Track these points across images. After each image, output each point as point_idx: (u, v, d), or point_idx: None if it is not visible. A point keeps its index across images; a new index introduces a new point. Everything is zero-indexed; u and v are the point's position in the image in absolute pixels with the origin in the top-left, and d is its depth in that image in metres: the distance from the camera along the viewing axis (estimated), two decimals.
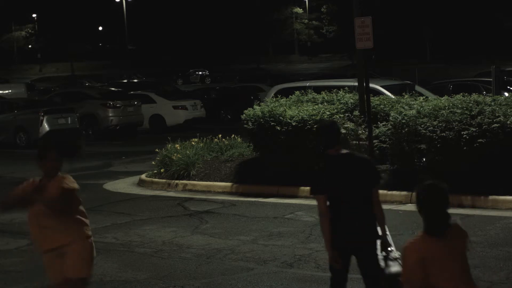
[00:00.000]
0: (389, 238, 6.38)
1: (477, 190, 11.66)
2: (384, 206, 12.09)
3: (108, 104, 27.53)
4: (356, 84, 14.63)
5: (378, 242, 6.32)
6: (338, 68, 74.16)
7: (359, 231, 6.22)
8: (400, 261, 5.87)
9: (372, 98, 13.95)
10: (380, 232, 6.31)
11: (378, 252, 6.28)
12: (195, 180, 14.84)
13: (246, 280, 8.27)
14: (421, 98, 13.87)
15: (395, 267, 6.11)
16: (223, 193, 14.13)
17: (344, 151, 6.38)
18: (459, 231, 5.03)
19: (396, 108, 13.16)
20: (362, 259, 6.30)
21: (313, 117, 13.66)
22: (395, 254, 6.23)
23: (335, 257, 6.17)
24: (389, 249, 6.29)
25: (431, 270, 4.81)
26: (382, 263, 6.22)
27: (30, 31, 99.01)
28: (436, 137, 12.08)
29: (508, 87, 21.72)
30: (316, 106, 14.22)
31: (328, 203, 6.24)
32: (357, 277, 8.19)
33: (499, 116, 11.81)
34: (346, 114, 13.98)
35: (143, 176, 15.89)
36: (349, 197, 6.24)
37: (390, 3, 69.92)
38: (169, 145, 16.07)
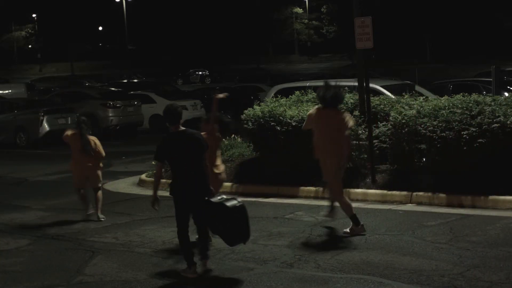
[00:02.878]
0: (213, 189, 8.66)
1: (477, 190, 11.65)
2: (384, 206, 12.20)
3: (108, 104, 27.53)
4: (356, 84, 14.62)
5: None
6: (338, 68, 74.15)
7: (194, 188, 8.40)
8: (228, 199, 8.61)
9: (372, 98, 13.94)
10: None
11: (212, 199, 8.52)
12: None
13: (246, 280, 8.27)
14: (421, 98, 13.86)
15: (231, 201, 8.58)
16: (223, 193, 14.09)
17: (181, 128, 8.48)
18: None
19: (396, 108, 13.15)
20: (195, 209, 8.49)
21: None
22: (223, 196, 8.71)
23: (154, 202, 8.69)
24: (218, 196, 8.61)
25: None
26: (224, 202, 8.54)
27: (30, 31, 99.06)
28: (436, 137, 12.08)
29: (508, 87, 21.71)
30: (316, 106, 14.19)
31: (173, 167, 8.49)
32: (357, 277, 8.21)
33: (499, 116, 11.80)
34: None
35: (143, 176, 15.89)
36: (185, 162, 8.35)
37: (390, 4, 69.93)
38: None
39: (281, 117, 13.78)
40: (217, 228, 8.65)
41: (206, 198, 8.54)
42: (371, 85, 14.13)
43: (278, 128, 13.68)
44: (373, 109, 13.55)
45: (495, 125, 11.67)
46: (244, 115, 14.56)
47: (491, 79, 17.86)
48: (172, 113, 8.51)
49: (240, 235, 8.60)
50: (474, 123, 11.87)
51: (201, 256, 8.67)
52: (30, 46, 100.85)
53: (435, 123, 12.18)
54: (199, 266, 8.66)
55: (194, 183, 8.43)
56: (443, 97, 13.68)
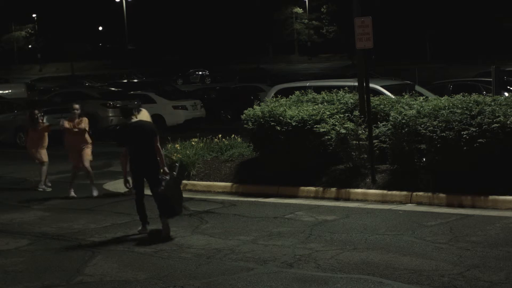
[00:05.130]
0: (166, 169, 10.72)
1: (477, 190, 11.66)
2: (384, 206, 12.21)
3: (108, 104, 27.51)
4: (356, 84, 14.62)
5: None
6: (338, 68, 74.15)
7: (146, 165, 10.69)
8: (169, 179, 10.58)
9: (372, 98, 13.94)
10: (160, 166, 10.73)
11: (160, 177, 10.60)
12: (195, 180, 14.84)
13: (246, 280, 8.27)
14: (421, 98, 13.86)
15: (165, 181, 10.52)
16: (223, 193, 14.13)
17: (135, 119, 10.98)
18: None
19: (396, 108, 13.15)
20: (149, 181, 10.77)
21: (313, 117, 13.66)
22: (167, 177, 10.57)
23: (127, 180, 11.16)
24: (168, 176, 10.60)
25: None
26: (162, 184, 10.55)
27: (30, 31, 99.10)
28: (436, 137, 12.08)
29: (508, 87, 21.71)
30: (316, 106, 14.22)
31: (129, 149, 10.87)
32: (357, 277, 8.22)
33: (499, 116, 11.80)
34: (346, 114, 13.97)
35: None
36: (140, 145, 10.69)
37: (390, 3, 69.95)
38: (169, 145, 16.07)
39: (281, 117, 13.78)
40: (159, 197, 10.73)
41: (157, 174, 10.65)
42: (371, 85, 14.13)
43: (278, 128, 13.68)
44: (373, 109, 13.54)
45: (495, 125, 11.67)
46: (244, 115, 14.57)
47: (491, 79, 17.85)
48: (128, 110, 11.04)
49: (171, 208, 10.64)
50: (474, 123, 11.87)
51: (141, 227, 11.02)
52: (30, 46, 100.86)
53: (435, 123, 12.18)
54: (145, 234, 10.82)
55: (146, 160, 10.67)
56: (443, 97, 13.67)
